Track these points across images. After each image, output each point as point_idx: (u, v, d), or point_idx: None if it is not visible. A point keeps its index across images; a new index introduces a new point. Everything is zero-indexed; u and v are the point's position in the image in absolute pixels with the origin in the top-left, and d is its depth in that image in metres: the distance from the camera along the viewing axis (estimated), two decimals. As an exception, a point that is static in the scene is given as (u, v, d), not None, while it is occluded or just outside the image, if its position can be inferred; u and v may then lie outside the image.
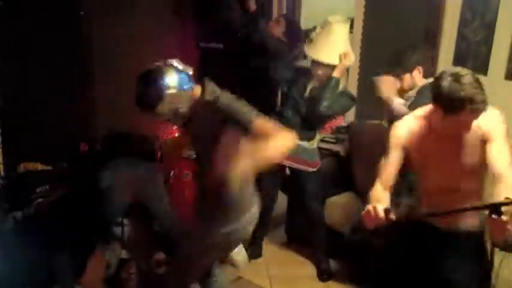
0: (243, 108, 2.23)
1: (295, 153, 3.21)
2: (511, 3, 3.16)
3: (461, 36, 3.47)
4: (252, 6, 3.83)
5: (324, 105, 3.14)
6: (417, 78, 2.80)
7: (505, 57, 3.17)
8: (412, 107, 2.66)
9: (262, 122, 2.21)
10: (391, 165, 2.29)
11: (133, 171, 2.98)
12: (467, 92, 1.96)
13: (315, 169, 3.39)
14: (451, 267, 2.25)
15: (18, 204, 3.08)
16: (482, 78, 3.28)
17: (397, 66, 2.83)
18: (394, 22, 3.80)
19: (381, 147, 3.42)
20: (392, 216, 2.03)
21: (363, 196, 3.55)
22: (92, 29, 3.51)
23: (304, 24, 4.86)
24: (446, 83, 1.99)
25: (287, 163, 3.32)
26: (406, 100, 2.80)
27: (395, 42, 3.79)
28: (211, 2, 3.94)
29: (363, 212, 2.09)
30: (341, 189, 3.71)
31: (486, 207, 1.83)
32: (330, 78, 3.16)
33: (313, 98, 3.20)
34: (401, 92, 2.84)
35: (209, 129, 2.30)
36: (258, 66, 3.76)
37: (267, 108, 3.61)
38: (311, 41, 3.19)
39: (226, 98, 2.28)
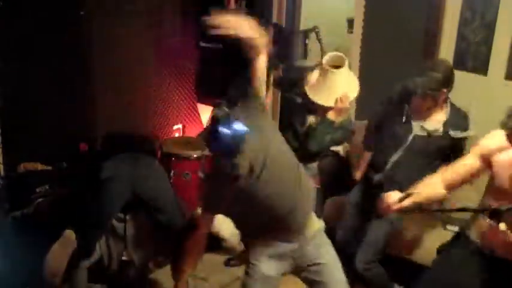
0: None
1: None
2: (511, 3, 3.16)
3: (461, 36, 3.48)
4: None
5: (313, 143, 3.09)
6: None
7: (505, 57, 3.17)
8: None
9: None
10: (460, 167, 2.20)
11: (134, 164, 2.98)
12: None
13: (317, 186, 3.33)
14: None
15: (18, 204, 3.09)
16: (482, 78, 3.32)
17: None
18: (394, 22, 3.80)
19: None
20: (406, 203, 1.99)
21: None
22: (92, 29, 3.50)
23: (304, 24, 4.87)
24: None
25: None
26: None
27: (395, 42, 3.80)
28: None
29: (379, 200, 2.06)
30: (341, 189, 3.71)
31: (485, 210, 1.81)
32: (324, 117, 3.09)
33: (306, 134, 3.14)
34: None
35: None
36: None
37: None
38: (308, 82, 3.09)
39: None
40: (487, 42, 3.28)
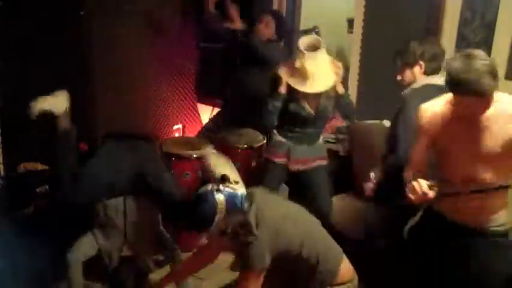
0: (254, 255, 2.22)
1: (314, 153, 3.31)
2: (511, 3, 3.16)
3: (461, 36, 3.47)
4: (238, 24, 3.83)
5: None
6: (417, 74, 2.70)
7: (505, 57, 3.17)
8: (404, 109, 2.62)
9: (247, 279, 2.24)
10: (418, 153, 2.21)
11: (135, 147, 2.98)
12: (472, 74, 1.89)
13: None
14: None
15: (18, 204, 3.09)
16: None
17: (399, 58, 2.76)
18: (394, 22, 3.80)
19: (381, 147, 3.44)
20: (434, 191, 1.99)
21: (363, 196, 3.58)
22: (92, 29, 3.50)
23: (304, 24, 4.87)
24: (455, 63, 1.93)
25: (308, 166, 3.32)
26: (403, 96, 2.75)
27: (395, 42, 3.79)
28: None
29: (408, 188, 2.04)
30: (341, 189, 3.71)
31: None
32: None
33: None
34: (401, 86, 2.78)
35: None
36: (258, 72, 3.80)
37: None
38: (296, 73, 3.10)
39: (257, 245, 2.23)
40: (487, 42, 3.27)
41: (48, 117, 2.68)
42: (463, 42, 3.46)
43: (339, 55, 5.39)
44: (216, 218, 2.21)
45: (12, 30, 3.16)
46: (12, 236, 2.84)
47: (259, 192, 2.39)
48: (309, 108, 3.19)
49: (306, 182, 3.38)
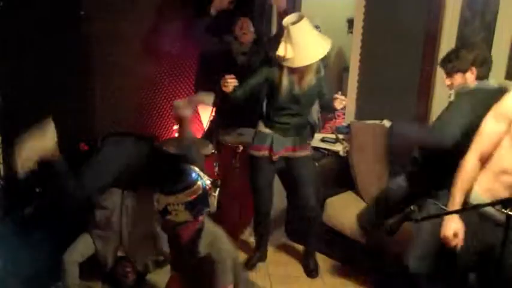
0: (224, 263, 2.26)
1: (297, 144, 3.27)
2: (511, 3, 3.16)
3: (461, 36, 3.47)
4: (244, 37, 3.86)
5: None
6: (469, 79, 2.68)
7: (505, 57, 3.17)
8: (448, 109, 2.65)
9: None
10: (493, 136, 2.26)
11: (136, 143, 3.00)
12: None
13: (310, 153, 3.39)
14: None
15: (18, 204, 3.09)
16: (482, 78, 3.31)
17: (449, 65, 2.73)
18: (394, 22, 3.80)
19: (381, 147, 3.44)
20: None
21: (363, 196, 3.58)
22: (92, 29, 3.51)
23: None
24: None
25: (289, 154, 3.29)
26: (449, 98, 2.77)
27: (395, 43, 3.80)
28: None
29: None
30: (341, 189, 3.71)
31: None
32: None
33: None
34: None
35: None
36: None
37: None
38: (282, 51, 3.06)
39: (224, 245, 2.31)
40: (487, 42, 3.27)
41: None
42: (463, 42, 3.46)
43: (339, 55, 5.40)
44: None
45: (12, 30, 3.16)
46: (12, 236, 2.84)
47: None
48: (297, 86, 3.15)
49: (290, 172, 3.35)
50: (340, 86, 5.28)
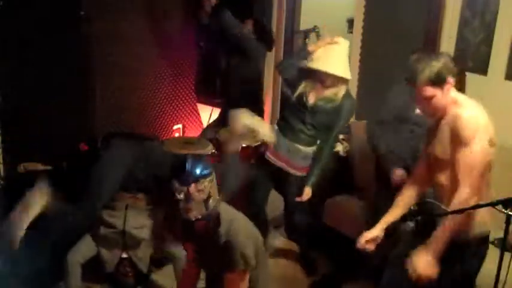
0: (244, 249, 2.25)
1: (293, 158, 3.22)
2: (511, 3, 3.16)
3: (461, 36, 3.47)
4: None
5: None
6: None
7: (505, 57, 3.17)
8: None
9: (240, 280, 2.27)
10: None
11: (139, 144, 3.01)
12: None
13: (305, 174, 3.29)
14: None
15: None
16: (482, 78, 3.32)
17: None
18: (394, 22, 3.80)
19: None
20: None
21: (363, 196, 3.58)
22: (92, 29, 3.50)
23: (304, 24, 4.87)
24: None
25: (281, 165, 3.27)
26: None
27: (395, 43, 3.80)
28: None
29: None
30: (341, 189, 3.71)
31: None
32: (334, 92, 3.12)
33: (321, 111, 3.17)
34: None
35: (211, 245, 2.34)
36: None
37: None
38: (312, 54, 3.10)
39: (237, 231, 2.28)
40: (487, 42, 3.27)
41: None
42: (463, 42, 3.46)
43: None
44: None
45: (12, 30, 3.16)
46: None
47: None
48: (311, 98, 3.13)
49: (282, 180, 3.36)
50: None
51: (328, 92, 3.10)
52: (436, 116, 2.26)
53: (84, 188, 2.83)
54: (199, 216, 2.28)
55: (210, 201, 2.28)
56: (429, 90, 2.21)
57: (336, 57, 3.07)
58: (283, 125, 3.27)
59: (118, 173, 2.85)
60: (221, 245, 2.27)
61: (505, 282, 2.05)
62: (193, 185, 2.24)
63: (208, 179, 2.28)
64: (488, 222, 2.27)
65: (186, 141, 3.71)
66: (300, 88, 3.16)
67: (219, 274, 2.32)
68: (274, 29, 4.54)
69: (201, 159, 2.38)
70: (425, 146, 2.37)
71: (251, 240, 2.32)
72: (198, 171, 2.26)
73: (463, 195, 2.17)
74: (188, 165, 2.27)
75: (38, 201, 2.72)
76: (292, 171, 3.26)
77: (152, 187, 2.90)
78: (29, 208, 2.70)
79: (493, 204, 1.98)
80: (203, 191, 2.25)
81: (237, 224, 2.31)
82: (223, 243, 2.27)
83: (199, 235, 2.37)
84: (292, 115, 3.23)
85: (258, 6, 4.39)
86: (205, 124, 4.40)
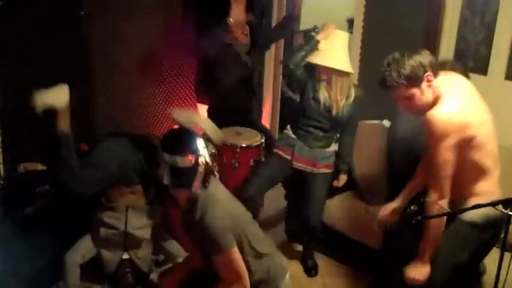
0: (223, 234, 2.26)
1: (318, 159, 3.30)
2: (511, 3, 3.16)
3: (461, 36, 3.48)
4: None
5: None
6: None
7: (505, 57, 3.17)
8: None
9: (228, 261, 2.28)
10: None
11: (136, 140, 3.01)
12: None
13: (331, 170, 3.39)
14: None
15: (18, 204, 3.09)
16: (482, 78, 3.32)
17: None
18: (394, 22, 3.80)
19: (381, 147, 3.44)
20: None
21: (363, 196, 3.58)
22: (92, 29, 3.50)
23: (304, 24, 4.87)
24: None
25: (309, 168, 3.33)
26: None
27: (395, 43, 3.79)
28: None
29: None
30: (341, 189, 3.71)
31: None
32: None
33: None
34: None
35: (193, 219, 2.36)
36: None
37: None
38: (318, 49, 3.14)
39: (215, 215, 2.29)
40: (487, 42, 3.28)
41: (50, 113, 2.65)
42: (463, 42, 3.46)
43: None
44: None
45: (12, 30, 3.16)
46: (12, 236, 2.84)
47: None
48: (325, 94, 3.18)
49: (303, 185, 3.38)
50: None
51: (344, 99, 3.19)
52: (423, 113, 2.19)
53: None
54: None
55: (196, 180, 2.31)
56: (405, 91, 2.16)
57: (341, 51, 3.14)
58: (304, 135, 3.31)
59: (107, 161, 2.82)
60: (200, 227, 2.30)
61: (505, 282, 2.06)
62: (177, 156, 2.29)
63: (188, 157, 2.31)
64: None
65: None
66: (323, 98, 3.19)
67: (209, 257, 2.33)
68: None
69: (192, 135, 2.40)
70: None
71: (228, 221, 2.32)
72: (180, 145, 2.32)
73: (431, 198, 2.18)
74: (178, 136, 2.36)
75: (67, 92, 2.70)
76: (321, 170, 3.32)
77: (149, 179, 2.88)
78: None
79: (493, 204, 1.98)
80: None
81: (213, 207, 2.32)
82: (200, 225, 2.29)
83: (185, 215, 2.43)
84: (310, 124, 3.28)
85: (258, 7, 4.39)
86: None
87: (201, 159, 2.35)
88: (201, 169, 2.34)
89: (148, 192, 2.92)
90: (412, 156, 2.69)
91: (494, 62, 3.24)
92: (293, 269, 3.57)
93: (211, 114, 3.91)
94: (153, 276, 3.07)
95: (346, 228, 3.47)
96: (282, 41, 4.70)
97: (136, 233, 2.90)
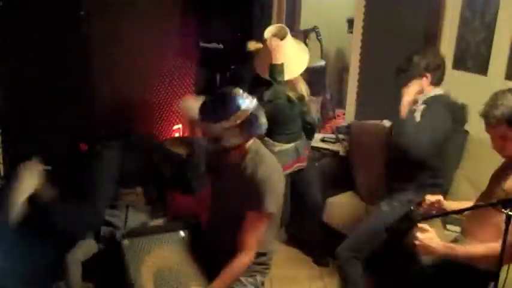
0: (267, 194, 2.22)
1: (304, 153, 3.41)
2: (511, 3, 3.16)
3: (461, 36, 3.47)
4: None
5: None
6: (425, 85, 2.76)
7: (505, 57, 3.17)
8: (427, 115, 2.67)
9: (258, 223, 2.25)
10: None
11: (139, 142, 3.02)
12: None
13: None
14: None
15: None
16: (482, 78, 3.32)
17: (403, 74, 2.79)
18: (394, 22, 3.80)
19: (381, 147, 3.44)
20: None
21: (363, 196, 3.58)
22: (92, 29, 3.51)
23: (304, 24, 4.87)
24: None
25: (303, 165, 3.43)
26: (415, 110, 2.76)
27: (395, 43, 3.80)
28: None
29: None
30: (341, 189, 3.71)
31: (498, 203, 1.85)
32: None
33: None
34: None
35: (233, 185, 2.33)
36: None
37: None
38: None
39: (264, 173, 2.25)
40: (487, 42, 3.27)
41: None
42: (463, 42, 3.46)
43: (339, 55, 5.40)
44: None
45: (12, 30, 3.16)
46: (12, 236, 2.84)
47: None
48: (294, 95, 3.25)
49: (295, 182, 3.46)
50: (340, 86, 5.29)
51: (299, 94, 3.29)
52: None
53: (83, 189, 2.82)
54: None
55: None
56: (504, 131, 2.10)
57: (293, 54, 3.18)
58: (287, 137, 3.34)
59: (110, 171, 2.84)
60: (245, 179, 2.26)
61: (505, 282, 2.05)
62: (218, 125, 2.20)
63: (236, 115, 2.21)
64: None
65: (186, 141, 3.73)
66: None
67: (238, 212, 2.27)
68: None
69: (227, 97, 2.27)
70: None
71: (277, 174, 2.30)
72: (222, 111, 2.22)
73: None
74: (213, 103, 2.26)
75: (30, 175, 2.72)
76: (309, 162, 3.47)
77: (149, 179, 2.89)
78: (22, 181, 2.69)
79: (492, 204, 1.98)
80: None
81: (263, 159, 2.30)
82: (250, 181, 2.25)
83: (225, 167, 2.37)
84: (289, 125, 3.34)
85: (258, 7, 4.39)
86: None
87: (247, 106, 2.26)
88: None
89: (148, 192, 2.92)
90: (411, 156, 2.69)
91: (494, 62, 3.23)
92: (293, 269, 3.57)
93: None
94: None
95: (346, 228, 3.47)
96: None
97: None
